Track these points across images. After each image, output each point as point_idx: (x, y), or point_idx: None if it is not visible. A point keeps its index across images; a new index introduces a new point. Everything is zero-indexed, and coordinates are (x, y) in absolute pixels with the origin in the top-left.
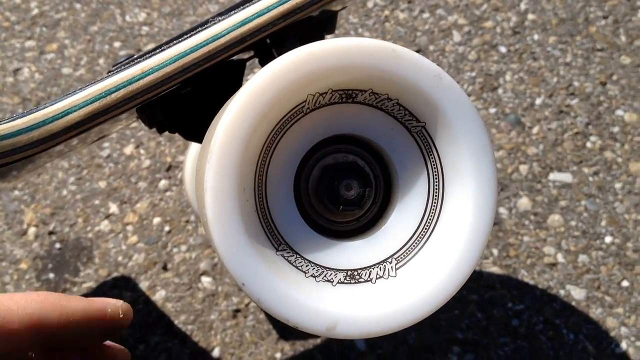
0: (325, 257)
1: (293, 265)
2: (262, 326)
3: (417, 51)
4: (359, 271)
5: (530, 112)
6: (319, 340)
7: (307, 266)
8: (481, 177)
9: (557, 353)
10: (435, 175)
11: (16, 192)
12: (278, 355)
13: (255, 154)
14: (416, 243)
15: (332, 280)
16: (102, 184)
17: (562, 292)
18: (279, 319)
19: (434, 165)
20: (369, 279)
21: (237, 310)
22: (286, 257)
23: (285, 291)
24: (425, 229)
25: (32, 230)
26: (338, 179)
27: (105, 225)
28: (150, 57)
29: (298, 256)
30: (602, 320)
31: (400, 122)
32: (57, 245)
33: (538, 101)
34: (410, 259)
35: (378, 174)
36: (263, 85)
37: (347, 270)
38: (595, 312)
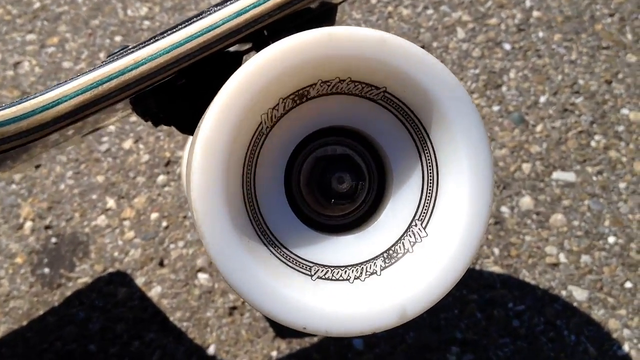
0: (315, 252)
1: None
2: (259, 324)
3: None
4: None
5: (534, 110)
6: (315, 339)
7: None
8: (476, 167)
9: (558, 354)
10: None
11: (13, 186)
12: (274, 353)
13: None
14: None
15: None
16: (100, 179)
17: (563, 293)
18: (265, 315)
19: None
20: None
21: (234, 308)
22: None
23: (275, 288)
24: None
25: (28, 225)
26: (330, 171)
27: (102, 220)
28: (144, 47)
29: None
30: (605, 322)
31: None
32: (53, 240)
33: (542, 99)
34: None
35: (372, 167)
36: (250, 77)
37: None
38: (597, 314)
